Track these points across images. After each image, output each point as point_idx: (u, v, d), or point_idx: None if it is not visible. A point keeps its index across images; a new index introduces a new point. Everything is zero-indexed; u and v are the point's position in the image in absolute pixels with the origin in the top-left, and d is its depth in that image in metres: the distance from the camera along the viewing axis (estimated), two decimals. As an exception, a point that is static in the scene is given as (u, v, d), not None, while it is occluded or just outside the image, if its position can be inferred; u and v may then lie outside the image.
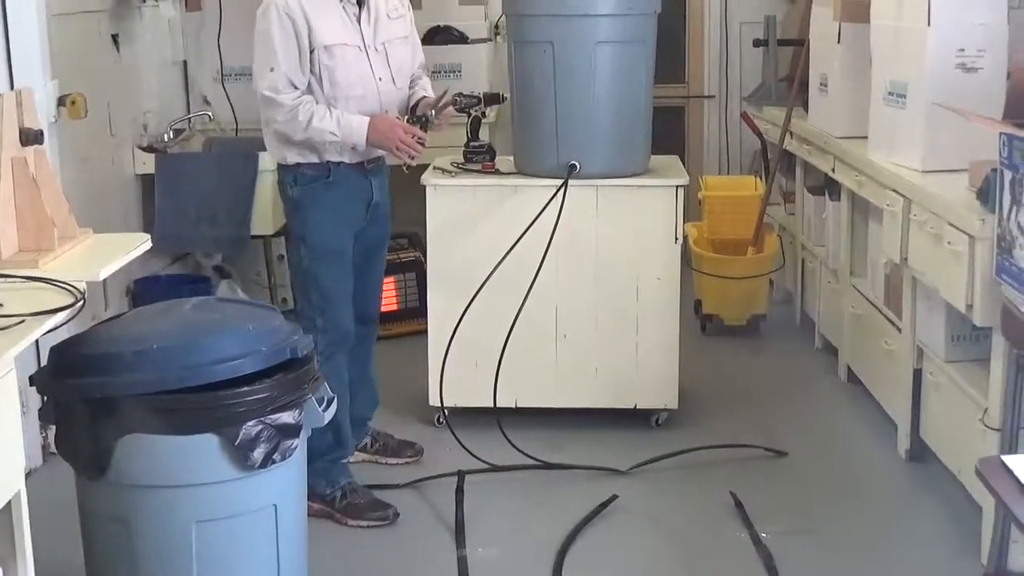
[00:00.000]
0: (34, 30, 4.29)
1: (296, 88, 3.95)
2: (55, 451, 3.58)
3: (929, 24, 4.15)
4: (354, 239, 4.18)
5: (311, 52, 3.94)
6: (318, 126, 3.93)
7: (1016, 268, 3.20)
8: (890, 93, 4.45)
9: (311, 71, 3.97)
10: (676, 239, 4.61)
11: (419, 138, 4.04)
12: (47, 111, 4.28)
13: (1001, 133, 3.28)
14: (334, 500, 4.07)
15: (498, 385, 4.44)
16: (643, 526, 4.06)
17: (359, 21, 4.03)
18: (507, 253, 4.42)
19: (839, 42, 5.13)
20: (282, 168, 4.11)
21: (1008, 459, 2.52)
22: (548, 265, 4.47)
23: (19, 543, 2.65)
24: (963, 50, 4.14)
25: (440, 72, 4.29)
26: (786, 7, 6.93)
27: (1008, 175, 3.24)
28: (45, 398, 3.13)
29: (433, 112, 4.11)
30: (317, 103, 3.95)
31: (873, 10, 4.62)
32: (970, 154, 3.84)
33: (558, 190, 4.47)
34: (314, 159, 4.06)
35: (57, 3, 4.55)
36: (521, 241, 4.43)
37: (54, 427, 3.18)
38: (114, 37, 5.30)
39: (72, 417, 3.04)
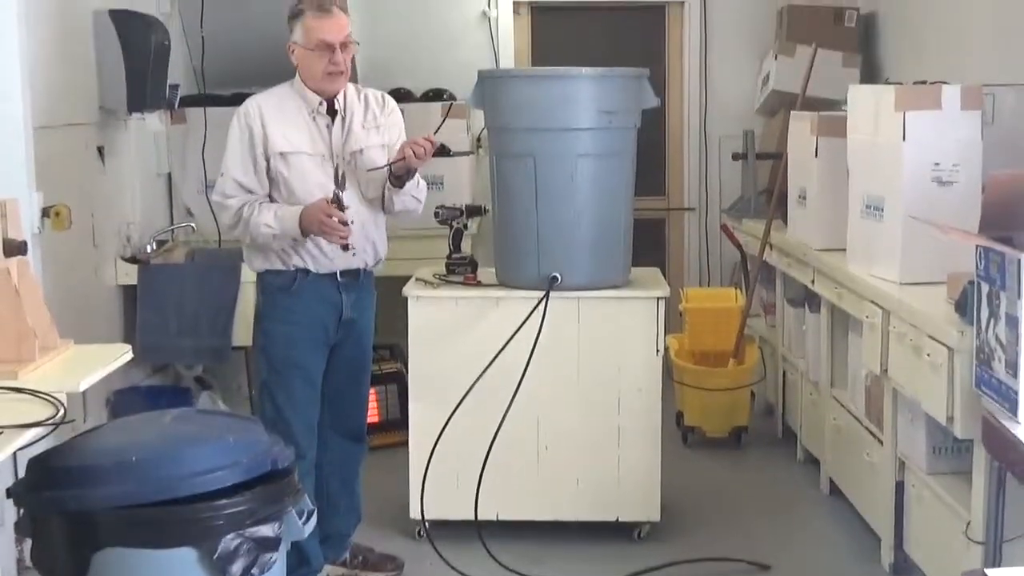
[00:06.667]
0: (19, 142, 4.33)
1: (250, 193, 4.00)
2: (30, 565, 3.53)
3: (904, 139, 4.21)
4: (328, 355, 4.16)
5: (268, 160, 4.00)
6: (256, 220, 3.95)
7: (996, 380, 3.21)
8: (867, 206, 4.50)
9: (270, 177, 4.03)
10: (657, 351, 4.62)
11: (338, 218, 3.88)
12: (31, 222, 4.30)
13: (977, 246, 3.31)
14: None
15: (479, 498, 4.41)
16: (626, 641, 4.02)
17: (330, 130, 4.08)
18: (489, 365, 4.42)
19: (817, 156, 5.19)
20: (256, 276, 4.16)
21: (992, 572, 2.50)
22: (530, 377, 4.47)
23: (-8, 660, 2.60)
24: (938, 164, 4.20)
25: (422, 184, 4.42)
26: (764, 121, 7.03)
27: (985, 287, 3.27)
28: (21, 511, 3.09)
29: (340, 192, 3.92)
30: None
31: (849, 125, 4.69)
32: (947, 266, 3.88)
33: (539, 302, 4.48)
34: (279, 266, 4.07)
35: (43, 115, 4.58)
36: (503, 353, 4.43)
37: (30, 540, 3.14)
38: (99, 149, 5.33)
39: (49, 530, 3.00)
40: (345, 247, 3.97)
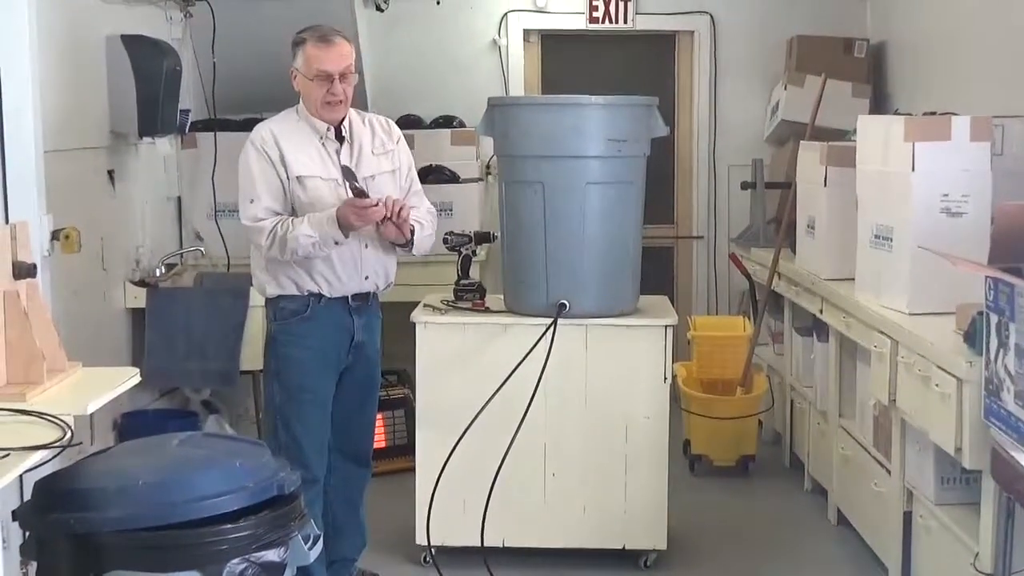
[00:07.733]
0: (30, 165, 4.35)
1: (278, 215, 4.01)
2: (35, 588, 3.53)
3: (914, 169, 4.21)
4: (339, 378, 4.17)
5: (288, 182, 4.01)
6: (293, 234, 3.95)
7: (1004, 411, 3.21)
8: (876, 236, 4.50)
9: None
10: (665, 379, 4.61)
11: (367, 204, 3.92)
12: (41, 245, 4.31)
13: (986, 277, 3.31)
14: None
15: (486, 524, 4.40)
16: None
17: (339, 155, 4.09)
18: (496, 391, 4.41)
19: (826, 185, 5.20)
20: (266, 302, 4.16)
21: (1000, 604, 2.49)
22: (537, 403, 4.46)
23: None
24: (947, 195, 4.20)
25: (432, 210, 4.44)
26: (773, 150, 7.04)
27: (994, 318, 3.26)
28: (27, 533, 3.09)
29: (357, 185, 3.97)
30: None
31: (859, 155, 4.70)
32: (956, 297, 3.87)
33: (547, 329, 4.48)
34: (293, 291, 4.07)
35: (54, 139, 4.60)
36: (510, 379, 4.43)
37: (35, 563, 3.13)
38: (110, 173, 5.36)
39: (54, 553, 2.99)
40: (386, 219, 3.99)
